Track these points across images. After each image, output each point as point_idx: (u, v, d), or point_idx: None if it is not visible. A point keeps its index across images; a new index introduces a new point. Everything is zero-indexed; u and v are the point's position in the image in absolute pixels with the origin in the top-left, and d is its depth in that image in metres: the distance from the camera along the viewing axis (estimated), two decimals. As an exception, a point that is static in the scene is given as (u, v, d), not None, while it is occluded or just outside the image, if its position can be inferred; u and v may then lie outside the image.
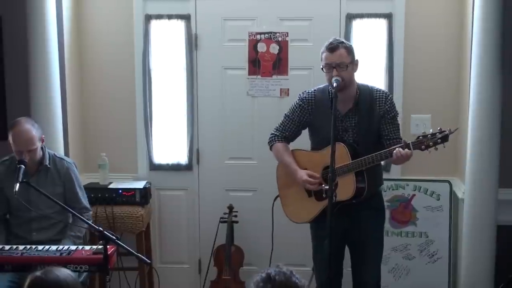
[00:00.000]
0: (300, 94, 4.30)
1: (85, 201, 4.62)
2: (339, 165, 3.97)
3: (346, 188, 4.00)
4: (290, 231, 4.98)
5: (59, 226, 4.48)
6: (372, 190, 4.11)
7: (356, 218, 4.14)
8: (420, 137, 3.83)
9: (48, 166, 4.47)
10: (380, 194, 4.33)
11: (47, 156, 4.48)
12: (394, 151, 3.83)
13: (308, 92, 4.25)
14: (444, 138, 3.79)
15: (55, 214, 4.40)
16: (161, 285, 5.60)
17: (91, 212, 4.68)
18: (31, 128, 4.32)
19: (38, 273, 2.66)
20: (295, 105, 4.28)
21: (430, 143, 3.80)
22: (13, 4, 5.11)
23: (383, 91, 4.21)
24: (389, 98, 4.15)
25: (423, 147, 3.81)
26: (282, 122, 4.34)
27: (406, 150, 3.81)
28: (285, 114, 4.34)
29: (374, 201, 4.21)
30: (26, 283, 2.66)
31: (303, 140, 4.39)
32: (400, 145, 3.85)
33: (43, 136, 4.45)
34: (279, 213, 4.44)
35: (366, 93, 4.14)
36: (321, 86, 4.23)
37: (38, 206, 4.33)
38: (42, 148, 4.46)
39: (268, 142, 4.39)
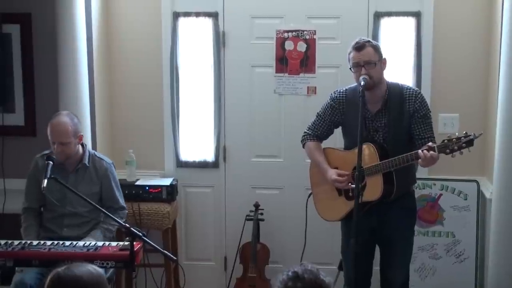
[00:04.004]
0: (331, 94, 4.27)
1: (122, 201, 4.65)
2: (368, 165, 3.95)
3: (373, 189, 3.96)
4: (316, 229, 4.97)
5: (90, 224, 4.49)
6: (402, 189, 4.06)
7: (384, 217, 4.10)
8: (445, 141, 3.74)
9: (87, 165, 4.49)
10: (411, 194, 4.26)
11: (87, 154, 4.50)
12: (419, 153, 3.76)
13: (340, 92, 4.23)
14: (469, 143, 3.70)
15: (88, 213, 4.43)
16: (186, 282, 5.61)
17: (126, 211, 4.70)
18: (68, 122, 4.33)
19: (58, 270, 2.66)
20: (326, 105, 4.27)
21: (455, 147, 3.70)
22: (42, 2, 5.16)
23: (413, 89, 4.13)
24: (419, 96, 4.07)
25: (447, 151, 3.72)
26: (314, 121, 4.34)
27: (432, 152, 3.73)
28: (318, 113, 4.32)
29: (404, 201, 4.15)
30: (47, 279, 2.68)
31: (336, 139, 4.42)
32: (425, 147, 3.77)
33: (81, 134, 4.46)
34: (304, 211, 4.43)
35: (396, 92, 4.08)
36: (353, 85, 4.18)
37: (73, 203, 4.37)
38: (83, 146, 4.49)
39: (301, 141, 4.40)
